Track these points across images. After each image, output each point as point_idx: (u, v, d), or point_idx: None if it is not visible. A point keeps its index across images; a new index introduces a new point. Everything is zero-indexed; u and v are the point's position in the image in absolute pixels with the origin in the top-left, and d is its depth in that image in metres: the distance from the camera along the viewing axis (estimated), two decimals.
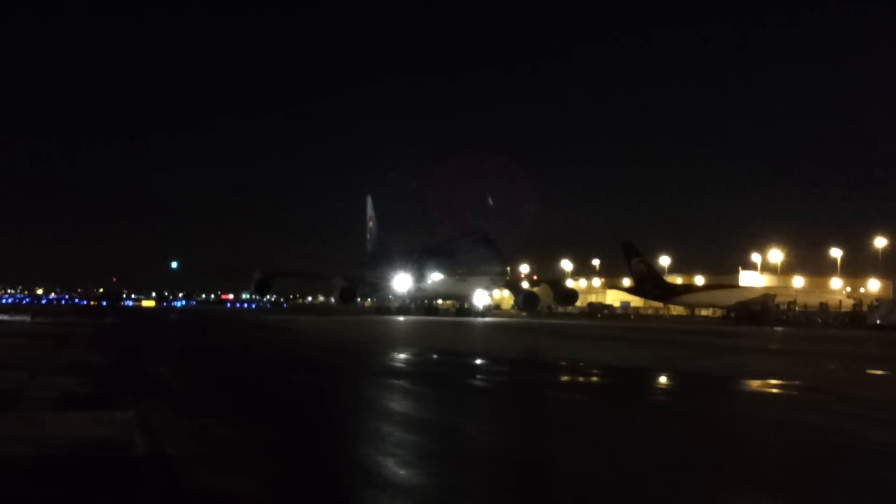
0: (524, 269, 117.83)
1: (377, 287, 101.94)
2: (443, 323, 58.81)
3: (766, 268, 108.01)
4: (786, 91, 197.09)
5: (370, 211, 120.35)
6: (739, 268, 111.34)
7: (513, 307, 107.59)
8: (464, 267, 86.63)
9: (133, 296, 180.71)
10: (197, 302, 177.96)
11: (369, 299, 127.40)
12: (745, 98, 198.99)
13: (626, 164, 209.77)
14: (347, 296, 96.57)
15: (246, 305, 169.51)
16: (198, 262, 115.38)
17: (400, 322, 58.11)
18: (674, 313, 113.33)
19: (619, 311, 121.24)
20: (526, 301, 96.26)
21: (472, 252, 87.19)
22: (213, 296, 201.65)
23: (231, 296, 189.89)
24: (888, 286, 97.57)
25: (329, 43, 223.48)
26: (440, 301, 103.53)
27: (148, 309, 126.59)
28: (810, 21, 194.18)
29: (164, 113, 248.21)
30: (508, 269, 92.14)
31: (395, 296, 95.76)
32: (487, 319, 72.48)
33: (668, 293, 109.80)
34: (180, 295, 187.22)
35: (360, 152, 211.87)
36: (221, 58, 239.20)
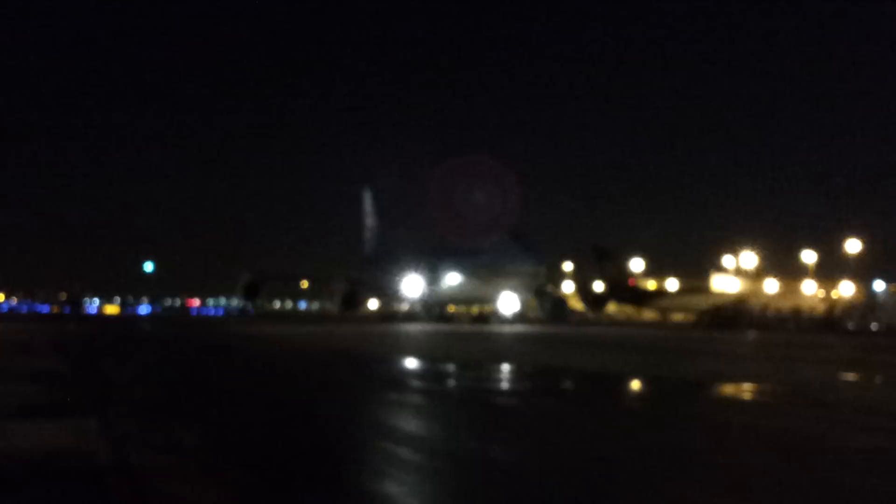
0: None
1: (383, 290, 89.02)
2: (471, 334, 47.38)
3: (739, 271, 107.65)
4: (759, 91, 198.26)
5: (368, 206, 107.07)
6: (712, 271, 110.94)
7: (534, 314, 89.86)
8: (490, 266, 74.13)
9: (97, 301, 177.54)
10: (162, 308, 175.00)
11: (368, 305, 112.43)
12: (718, 99, 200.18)
13: (596, 167, 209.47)
14: (351, 300, 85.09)
15: (212, 312, 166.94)
16: (174, 264, 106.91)
17: (418, 332, 49.12)
18: (646, 318, 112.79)
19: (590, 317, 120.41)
20: (554, 308, 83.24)
21: (501, 249, 75.06)
22: (178, 301, 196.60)
23: (197, 301, 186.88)
24: (861, 290, 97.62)
25: (321, 35, 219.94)
26: (453, 307, 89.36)
27: (111, 316, 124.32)
28: (781, 21, 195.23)
29: (138, 108, 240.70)
30: (545, 268, 79.89)
31: (405, 300, 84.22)
32: (518, 329, 57.40)
33: (641, 298, 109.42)
34: (145, 300, 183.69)
35: (354, 147, 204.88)
36: (205, 51, 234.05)
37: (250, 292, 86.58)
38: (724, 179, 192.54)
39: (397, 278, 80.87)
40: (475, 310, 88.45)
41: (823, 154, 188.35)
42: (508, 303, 74.99)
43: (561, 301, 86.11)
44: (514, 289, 74.13)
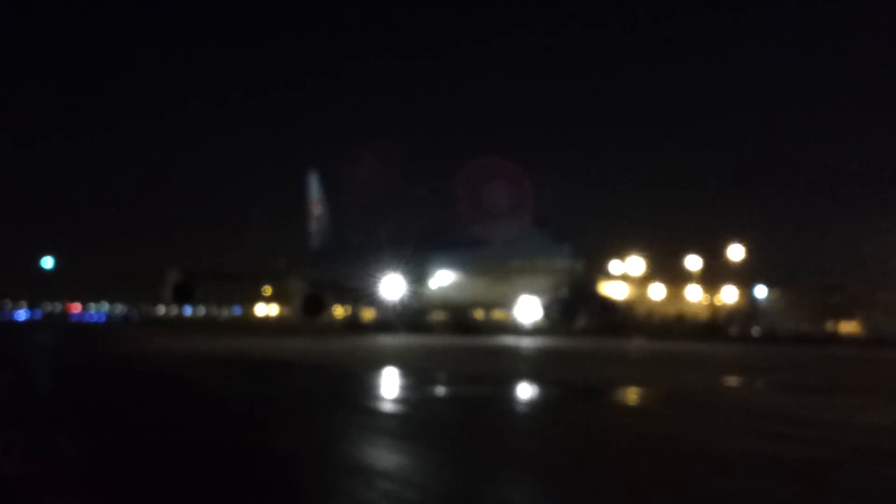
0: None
1: (350, 293, 72.05)
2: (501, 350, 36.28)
3: (626, 277, 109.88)
4: (645, 97, 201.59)
5: (315, 193, 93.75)
6: (600, 277, 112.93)
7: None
8: (502, 261, 59.08)
9: None
10: (43, 313, 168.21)
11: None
12: (604, 102, 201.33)
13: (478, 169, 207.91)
14: (314, 305, 71.09)
15: (95, 318, 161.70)
16: (79, 261, 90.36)
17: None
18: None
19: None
20: (563, 312, 66.85)
21: (518, 240, 59.68)
22: (59, 306, 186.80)
23: (79, 307, 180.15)
24: (743, 296, 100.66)
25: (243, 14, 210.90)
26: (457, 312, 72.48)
27: None
28: (673, 24, 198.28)
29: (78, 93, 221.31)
30: (582, 263, 64.28)
31: (381, 305, 69.37)
32: (541, 342, 45.91)
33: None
34: (23, 305, 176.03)
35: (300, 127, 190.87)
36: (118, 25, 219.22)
37: (181, 294, 71.19)
38: (610, 184, 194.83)
39: (370, 278, 65.12)
40: (467, 315, 73.31)
41: (707, 160, 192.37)
42: (528, 308, 61.54)
43: (571, 304, 67.72)
44: (538, 289, 59.94)
